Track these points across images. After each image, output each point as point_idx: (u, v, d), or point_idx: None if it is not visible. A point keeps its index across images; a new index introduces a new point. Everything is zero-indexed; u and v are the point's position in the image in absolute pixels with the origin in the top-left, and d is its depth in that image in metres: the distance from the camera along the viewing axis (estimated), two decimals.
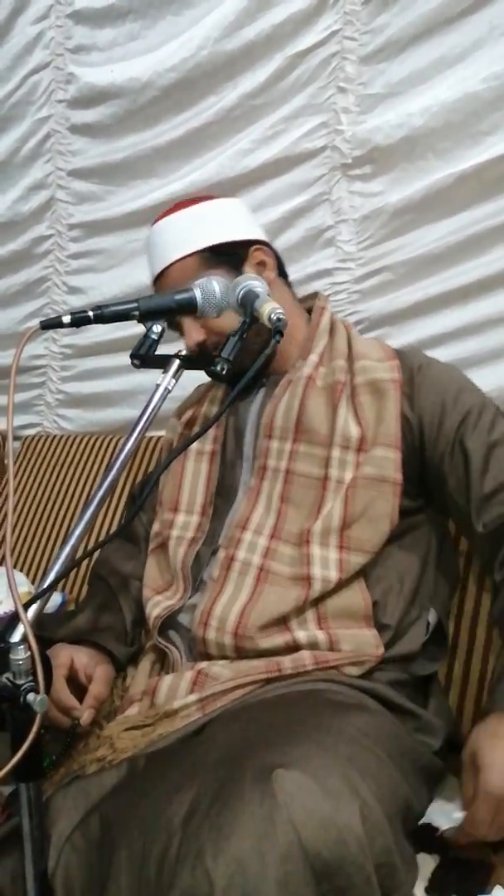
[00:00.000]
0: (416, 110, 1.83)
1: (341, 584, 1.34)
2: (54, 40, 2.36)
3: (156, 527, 1.58)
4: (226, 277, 1.31)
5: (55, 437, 2.52)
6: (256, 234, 1.58)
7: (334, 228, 2.02)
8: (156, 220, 1.56)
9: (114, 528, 2.10)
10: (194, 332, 1.46)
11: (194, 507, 1.53)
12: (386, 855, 1.00)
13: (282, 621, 1.33)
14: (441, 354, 1.84)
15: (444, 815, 1.24)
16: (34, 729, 0.91)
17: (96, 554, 1.68)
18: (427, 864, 1.17)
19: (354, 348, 1.50)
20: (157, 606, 1.44)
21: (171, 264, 1.50)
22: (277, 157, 2.07)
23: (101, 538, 2.11)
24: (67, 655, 1.38)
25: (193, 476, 1.55)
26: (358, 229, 1.98)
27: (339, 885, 0.93)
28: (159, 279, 1.53)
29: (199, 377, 1.42)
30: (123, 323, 1.23)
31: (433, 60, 1.83)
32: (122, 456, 1.15)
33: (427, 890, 1.15)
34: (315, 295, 1.64)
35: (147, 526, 1.64)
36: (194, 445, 1.56)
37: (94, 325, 1.25)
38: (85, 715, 1.30)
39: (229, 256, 1.50)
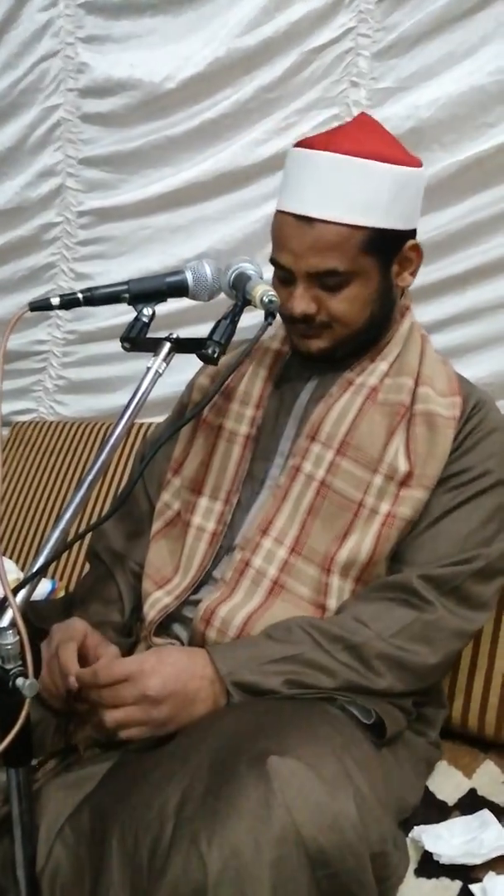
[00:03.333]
0: (424, 103, 1.87)
1: None
2: (63, 29, 2.35)
3: (166, 498, 1.46)
4: (372, 272, 1.28)
5: (45, 423, 2.50)
6: (416, 223, 1.36)
7: None
8: (334, 140, 1.29)
9: (104, 513, 1.97)
10: (307, 301, 1.31)
11: (219, 494, 1.40)
12: (381, 843, 1.01)
13: None
14: (439, 340, 1.84)
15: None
16: (23, 714, 0.92)
17: (87, 539, 1.63)
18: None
19: (423, 370, 1.37)
20: (153, 607, 1.35)
21: (334, 223, 1.26)
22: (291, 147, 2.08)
23: (90, 523, 2.08)
24: (83, 628, 1.29)
25: (223, 458, 1.41)
26: None
27: (334, 871, 0.94)
28: (299, 221, 1.28)
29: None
30: (128, 308, 1.23)
31: (442, 56, 1.88)
32: (112, 440, 1.14)
33: (416, 872, 1.16)
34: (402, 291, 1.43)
35: (153, 499, 1.50)
36: (228, 424, 1.42)
37: (98, 311, 1.23)
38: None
39: (390, 246, 1.32)
